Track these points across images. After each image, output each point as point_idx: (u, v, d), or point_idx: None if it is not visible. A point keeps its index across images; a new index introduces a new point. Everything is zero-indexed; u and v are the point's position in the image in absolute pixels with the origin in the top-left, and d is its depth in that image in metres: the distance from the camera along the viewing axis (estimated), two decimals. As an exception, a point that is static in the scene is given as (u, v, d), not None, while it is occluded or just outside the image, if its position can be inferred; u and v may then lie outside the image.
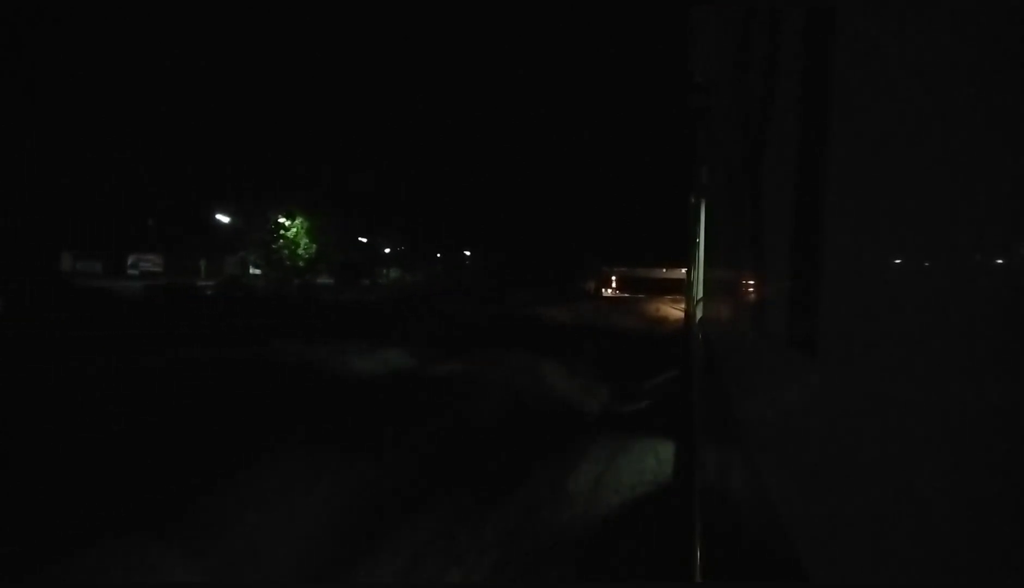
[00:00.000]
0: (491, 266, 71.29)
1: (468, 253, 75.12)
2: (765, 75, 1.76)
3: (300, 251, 43.31)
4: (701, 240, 7.83)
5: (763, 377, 1.58)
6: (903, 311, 0.66)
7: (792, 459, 1.13)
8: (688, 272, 19.76)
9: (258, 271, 45.34)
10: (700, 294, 7.97)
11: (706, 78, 6.62)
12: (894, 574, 0.65)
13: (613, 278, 79.98)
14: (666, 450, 8.64)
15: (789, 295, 1.27)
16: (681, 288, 48.63)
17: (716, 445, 2.91)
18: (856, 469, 0.78)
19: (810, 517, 0.96)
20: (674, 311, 40.57)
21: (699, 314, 7.74)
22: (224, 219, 44.42)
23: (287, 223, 42.99)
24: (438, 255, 71.83)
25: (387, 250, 64.11)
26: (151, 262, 52.53)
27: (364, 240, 54.77)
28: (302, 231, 43.26)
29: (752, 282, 1.96)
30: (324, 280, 49.14)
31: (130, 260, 52.30)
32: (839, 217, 0.90)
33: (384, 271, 64.16)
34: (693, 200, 10.58)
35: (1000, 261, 0.50)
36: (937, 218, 0.60)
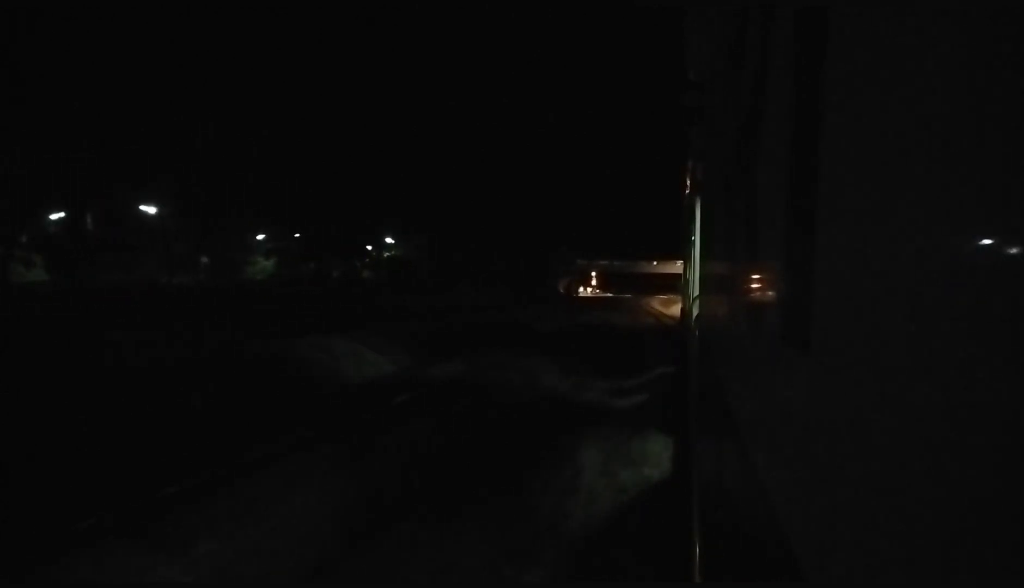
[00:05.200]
0: (432, 256, 55.54)
1: (392, 241, 57.33)
2: (758, 73, 1.77)
3: None
4: (697, 237, 7.85)
5: (758, 375, 1.58)
6: (896, 309, 0.66)
7: (787, 457, 1.13)
8: (684, 268, 19.69)
9: None
10: (696, 291, 7.99)
11: (700, 76, 6.63)
12: (891, 572, 0.65)
13: (592, 274, 65.44)
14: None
15: (783, 293, 1.27)
16: (676, 285, 42.66)
17: (713, 443, 2.91)
18: (851, 467, 0.77)
19: (806, 515, 0.96)
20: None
21: (695, 311, 7.75)
22: None
23: None
24: (368, 246, 54.67)
25: (260, 236, 46.11)
26: None
27: (151, 210, 35.64)
28: None
29: (747, 280, 1.96)
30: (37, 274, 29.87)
31: None
32: (832, 215, 0.90)
33: (203, 261, 43.16)
34: (688, 197, 10.60)
35: (994, 259, 0.50)
36: (930, 216, 0.60)
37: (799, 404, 1.08)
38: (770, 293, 1.48)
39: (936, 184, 0.58)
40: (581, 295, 59.57)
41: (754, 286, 1.80)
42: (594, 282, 66.44)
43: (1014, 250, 0.47)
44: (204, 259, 42.99)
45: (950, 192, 0.56)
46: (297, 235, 49.37)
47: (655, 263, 61.37)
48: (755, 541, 1.37)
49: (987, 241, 0.51)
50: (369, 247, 56.09)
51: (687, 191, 11.09)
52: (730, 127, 2.80)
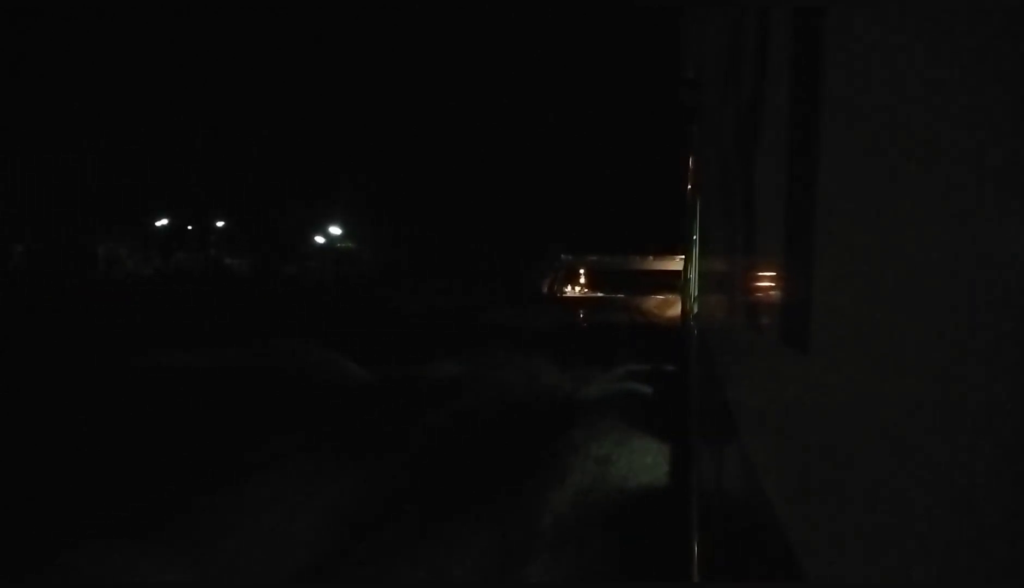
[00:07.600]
0: (398, 250, 48.28)
1: (339, 231, 50.64)
2: (757, 71, 1.76)
3: None
4: (696, 237, 7.86)
5: (758, 374, 1.58)
6: (894, 309, 0.66)
7: (785, 456, 1.13)
8: (685, 266, 19.66)
9: None
10: (696, 290, 8.01)
11: (698, 74, 6.63)
12: (891, 572, 0.64)
13: (580, 271, 59.34)
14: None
15: (782, 293, 1.27)
16: (676, 283, 39.17)
17: (713, 442, 2.91)
18: (848, 466, 0.77)
19: (804, 514, 0.96)
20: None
21: (695, 310, 7.78)
22: None
23: None
24: (318, 241, 47.15)
25: (176, 225, 38.62)
26: None
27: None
28: None
29: (746, 279, 1.96)
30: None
31: None
32: (831, 214, 0.89)
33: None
34: (689, 194, 10.62)
35: (990, 259, 0.50)
36: (927, 216, 0.59)
37: (798, 404, 1.08)
38: (769, 293, 1.48)
39: (934, 183, 0.58)
40: (567, 296, 54.10)
41: (753, 286, 1.80)
42: (582, 281, 60.98)
43: (1014, 249, 0.46)
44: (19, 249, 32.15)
45: (949, 191, 0.55)
46: (220, 224, 42.64)
47: (651, 259, 54.51)
48: (755, 540, 1.37)
49: (986, 240, 0.50)
50: (321, 239, 49.19)
51: (687, 188, 11.10)
52: (728, 125, 2.79)
